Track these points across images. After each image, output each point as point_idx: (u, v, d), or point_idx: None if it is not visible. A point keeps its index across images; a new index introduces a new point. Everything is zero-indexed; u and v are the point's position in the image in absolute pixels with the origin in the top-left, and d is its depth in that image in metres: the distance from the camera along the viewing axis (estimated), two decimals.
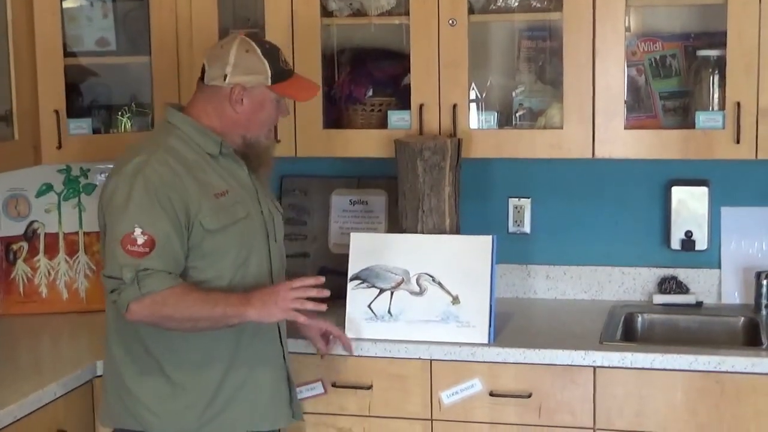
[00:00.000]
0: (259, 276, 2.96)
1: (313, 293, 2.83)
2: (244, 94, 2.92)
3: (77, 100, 3.72)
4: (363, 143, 3.60)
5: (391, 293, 3.32)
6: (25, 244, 3.84)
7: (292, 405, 3.08)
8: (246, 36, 2.95)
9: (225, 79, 2.91)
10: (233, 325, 2.84)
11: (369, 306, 3.34)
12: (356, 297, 3.35)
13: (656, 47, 3.59)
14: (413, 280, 3.31)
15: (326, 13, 3.61)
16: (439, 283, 3.30)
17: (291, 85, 2.98)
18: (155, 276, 2.75)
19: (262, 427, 3.01)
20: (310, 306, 2.83)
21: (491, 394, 3.24)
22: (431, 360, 3.27)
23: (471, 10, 3.48)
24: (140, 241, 2.75)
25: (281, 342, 3.05)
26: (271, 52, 2.95)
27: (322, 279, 2.87)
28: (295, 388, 3.12)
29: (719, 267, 3.72)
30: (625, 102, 3.43)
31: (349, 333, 3.32)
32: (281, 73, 2.95)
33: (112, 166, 3.77)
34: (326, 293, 2.85)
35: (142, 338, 2.89)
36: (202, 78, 2.96)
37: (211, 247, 2.86)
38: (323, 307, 2.86)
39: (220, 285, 2.88)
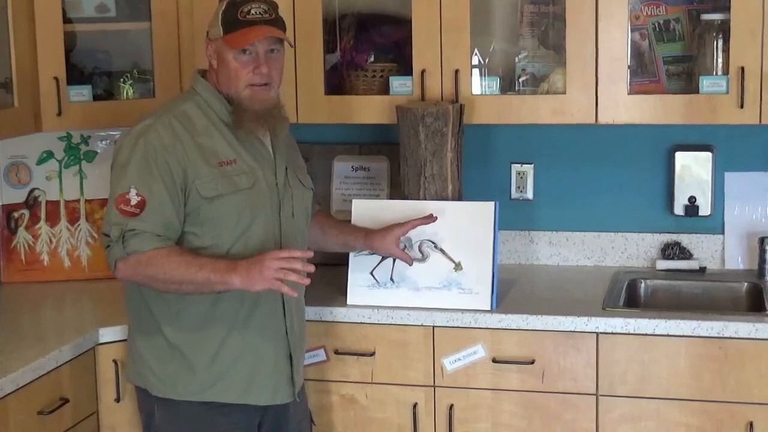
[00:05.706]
0: (262, 248, 2.88)
1: (298, 266, 2.74)
2: (209, 47, 2.93)
3: (77, 66, 3.70)
4: (365, 109, 3.58)
5: (394, 260, 3.31)
6: (26, 212, 3.83)
7: (293, 383, 3.01)
8: None
9: (207, 35, 2.95)
10: (219, 292, 2.82)
11: (371, 273, 3.33)
12: (358, 264, 3.34)
13: (660, 11, 3.56)
14: (415, 247, 3.30)
15: None
16: (442, 250, 3.29)
17: (240, 35, 2.85)
18: (141, 236, 2.76)
19: (261, 400, 2.97)
20: (293, 278, 2.74)
21: (494, 361, 3.24)
22: (434, 327, 3.27)
23: None
24: (133, 201, 2.77)
25: (285, 316, 2.98)
26: (236, 4, 2.86)
27: (310, 253, 2.83)
28: (300, 367, 3.06)
29: (723, 233, 3.71)
30: (629, 67, 3.40)
31: (351, 300, 3.32)
32: (233, 23, 2.85)
33: (113, 133, 3.80)
34: (311, 268, 2.77)
35: (144, 299, 2.91)
36: None
37: (208, 215, 2.85)
38: (306, 280, 2.79)
39: (218, 253, 2.86)
